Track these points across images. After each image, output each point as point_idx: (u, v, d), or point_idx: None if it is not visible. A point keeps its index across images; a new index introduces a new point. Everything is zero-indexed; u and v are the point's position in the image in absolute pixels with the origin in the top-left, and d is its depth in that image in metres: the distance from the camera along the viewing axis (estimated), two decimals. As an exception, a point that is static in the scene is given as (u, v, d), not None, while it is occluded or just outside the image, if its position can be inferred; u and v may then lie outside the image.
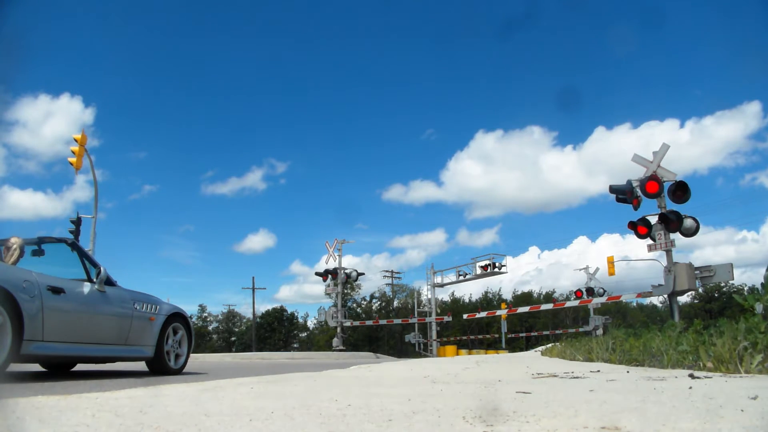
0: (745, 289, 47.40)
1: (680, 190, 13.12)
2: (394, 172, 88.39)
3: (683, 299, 45.11)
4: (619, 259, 38.86)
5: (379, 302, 58.14)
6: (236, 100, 78.47)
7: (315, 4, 75.41)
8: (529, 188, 74.86)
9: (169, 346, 5.79)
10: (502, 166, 75.67)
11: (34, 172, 66.42)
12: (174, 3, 71.80)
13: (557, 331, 36.72)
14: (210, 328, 63.68)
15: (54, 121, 62.34)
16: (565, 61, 73.61)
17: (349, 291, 48.79)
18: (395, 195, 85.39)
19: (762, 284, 4.15)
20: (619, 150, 61.94)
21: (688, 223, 13.36)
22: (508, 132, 78.10)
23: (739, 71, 57.05)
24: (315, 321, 46.04)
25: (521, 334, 45.61)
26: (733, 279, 14.59)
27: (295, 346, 60.18)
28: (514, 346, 41.56)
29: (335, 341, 28.59)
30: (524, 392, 2.56)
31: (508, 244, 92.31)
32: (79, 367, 6.09)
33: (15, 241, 4.81)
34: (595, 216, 77.80)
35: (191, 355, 6.35)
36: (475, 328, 49.52)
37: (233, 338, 62.74)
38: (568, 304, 29.91)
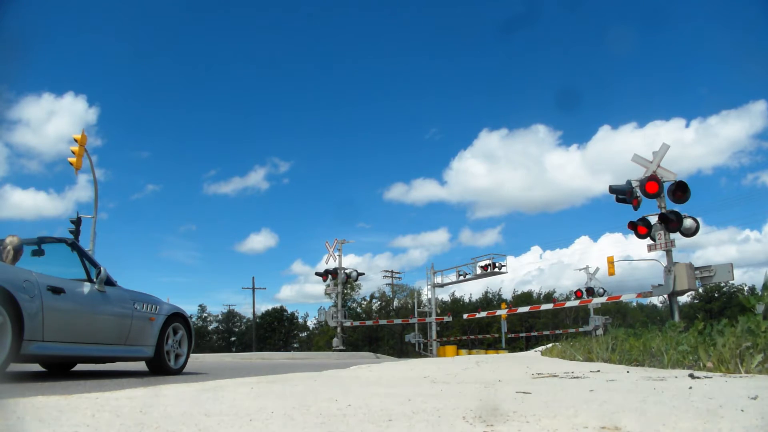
0: (746, 289, 47.45)
1: (680, 190, 13.13)
2: (397, 172, 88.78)
3: (683, 299, 45.07)
4: (620, 259, 38.93)
5: (379, 302, 58.15)
6: (239, 99, 78.78)
7: (318, 4, 75.53)
8: (532, 188, 74.97)
9: (169, 346, 5.79)
10: (506, 166, 75.82)
11: (37, 171, 66.60)
12: (178, 3, 71.92)
13: (557, 331, 36.70)
14: (210, 328, 63.66)
15: (57, 120, 62.43)
16: (570, 60, 73.85)
17: (349, 291, 48.77)
18: (398, 194, 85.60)
19: (764, 284, 4.15)
20: (625, 149, 62.12)
21: (688, 223, 13.36)
22: (512, 131, 78.12)
23: (745, 70, 57.08)
24: (315, 321, 46.07)
25: (521, 334, 45.61)
26: (733, 279, 14.59)
27: (295, 346, 60.16)
28: (514, 346, 41.56)
29: (335, 341, 28.58)
30: (524, 392, 2.55)
31: (511, 244, 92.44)
32: (79, 367, 6.09)
33: (11, 240, 4.80)
34: (597, 216, 78.12)
35: (191, 355, 6.35)
36: (475, 328, 49.50)
37: (233, 338, 62.73)
38: (568, 304, 29.91)
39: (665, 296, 15.79)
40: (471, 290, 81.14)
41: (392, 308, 56.35)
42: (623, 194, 13.95)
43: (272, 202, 79.52)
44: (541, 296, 57.49)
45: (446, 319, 31.41)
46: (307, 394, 2.63)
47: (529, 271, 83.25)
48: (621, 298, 25.43)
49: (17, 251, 4.80)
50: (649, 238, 13.91)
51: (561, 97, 61.69)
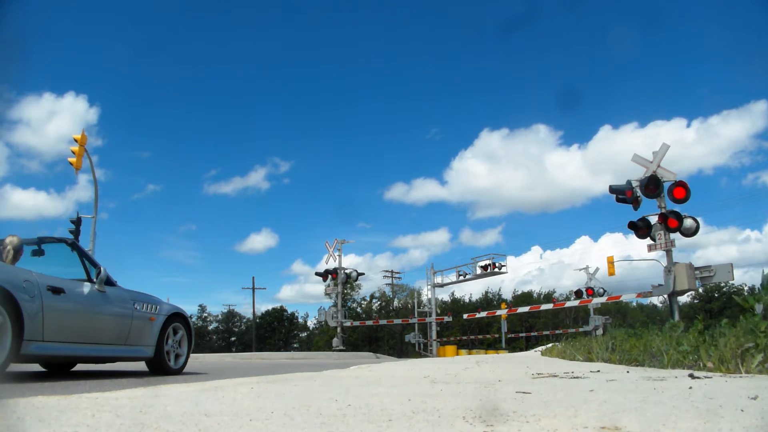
0: (745, 289, 47.45)
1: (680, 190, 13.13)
2: (397, 172, 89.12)
3: (683, 299, 45.07)
4: (620, 259, 38.95)
5: (379, 302, 58.15)
6: (240, 99, 78.89)
7: (318, 4, 75.53)
8: (533, 188, 75.08)
9: (169, 346, 5.79)
10: (507, 165, 75.92)
11: (37, 171, 66.71)
12: (178, 3, 71.94)
13: (557, 331, 36.71)
14: (210, 328, 63.66)
15: (58, 120, 62.51)
16: (570, 60, 73.97)
17: (349, 291, 48.78)
18: (398, 194, 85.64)
19: (762, 284, 4.15)
20: (625, 149, 62.32)
21: (688, 223, 13.37)
22: (513, 131, 78.23)
23: (745, 70, 57.14)
24: (315, 321, 46.01)
25: (521, 334, 45.61)
26: (733, 279, 14.59)
27: (295, 346, 60.17)
28: (514, 346, 41.56)
29: (335, 341, 28.59)
30: (524, 392, 2.55)
31: (511, 244, 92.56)
32: (79, 367, 6.09)
33: (11, 240, 4.80)
34: (598, 216, 78.24)
35: (191, 355, 6.35)
36: (475, 328, 49.50)
37: (233, 338, 62.73)
38: (568, 304, 29.91)
39: (665, 296, 15.79)
40: (471, 290, 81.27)
41: (392, 308, 56.34)
42: (623, 194, 13.95)
43: (272, 202, 79.71)
44: (541, 296, 57.50)
45: (446, 319, 31.40)
46: (307, 394, 2.63)
47: (529, 271, 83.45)
48: (621, 298, 25.45)
49: (17, 251, 4.80)
50: (649, 238, 13.92)
51: (562, 97, 61.85)
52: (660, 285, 14.32)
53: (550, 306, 30.14)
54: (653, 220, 13.75)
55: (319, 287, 60.68)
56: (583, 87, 72.35)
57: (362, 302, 57.66)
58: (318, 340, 53.56)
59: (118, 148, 70.36)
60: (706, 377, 3.30)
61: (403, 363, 9.22)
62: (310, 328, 63.35)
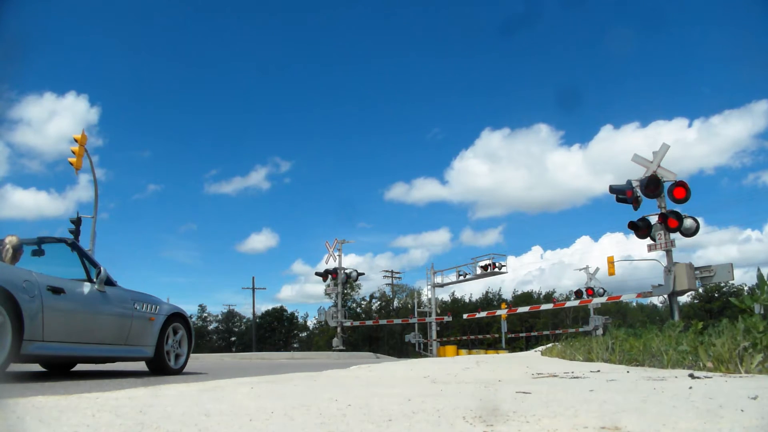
0: (745, 289, 47.37)
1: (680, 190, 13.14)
2: (398, 172, 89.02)
3: (683, 299, 45.06)
4: (620, 259, 38.93)
5: (379, 302, 58.16)
6: (241, 99, 78.88)
7: (319, 4, 75.58)
8: (534, 187, 75.00)
9: (169, 346, 5.79)
10: (508, 165, 75.88)
11: (38, 171, 66.72)
12: (180, 4, 71.97)
13: (557, 331, 36.70)
14: (210, 328, 63.66)
15: (59, 119, 62.46)
16: (571, 60, 73.84)
17: (349, 291, 48.80)
18: (399, 194, 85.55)
19: (758, 284, 4.14)
20: (627, 149, 62.19)
21: (688, 223, 13.37)
22: (514, 130, 78.05)
23: (747, 70, 57.12)
24: (315, 321, 46.01)
25: (521, 334, 45.58)
26: (733, 279, 14.62)
27: (295, 346, 60.15)
28: (514, 346, 41.53)
29: (335, 341, 28.61)
30: (524, 392, 2.55)
31: (512, 244, 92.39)
32: (79, 367, 6.09)
33: (11, 240, 4.80)
34: (599, 215, 78.19)
35: (191, 354, 6.35)
36: (475, 328, 49.49)
37: (233, 338, 62.72)
38: (568, 304, 29.94)
39: (665, 296, 15.81)
40: (471, 290, 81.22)
41: (392, 308, 56.34)
42: (623, 194, 13.96)
43: (273, 202, 79.69)
44: (541, 296, 57.48)
45: (446, 319, 31.42)
46: (307, 394, 2.63)
47: (529, 271, 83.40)
48: (621, 298, 25.47)
49: (17, 251, 4.80)
50: (649, 238, 13.92)
51: (563, 96, 61.79)
52: (660, 285, 14.33)
53: (550, 306, 30.18)
54: (653, 220, 13.76)
55: (319, 287, 60.59)
56: (583, 87, 72.31)
57: (362, 302, 57.74)
58: (318, 340, 53.55)
59: (118, 148, 70.49)
60: (706, 377, 3.30)
61: (403, 363, 9.22)
62: (310, 328, 63.38)
